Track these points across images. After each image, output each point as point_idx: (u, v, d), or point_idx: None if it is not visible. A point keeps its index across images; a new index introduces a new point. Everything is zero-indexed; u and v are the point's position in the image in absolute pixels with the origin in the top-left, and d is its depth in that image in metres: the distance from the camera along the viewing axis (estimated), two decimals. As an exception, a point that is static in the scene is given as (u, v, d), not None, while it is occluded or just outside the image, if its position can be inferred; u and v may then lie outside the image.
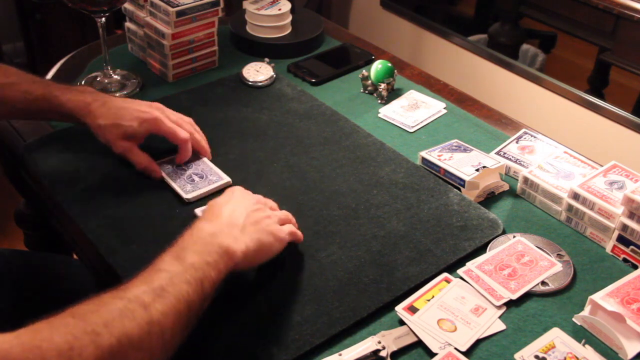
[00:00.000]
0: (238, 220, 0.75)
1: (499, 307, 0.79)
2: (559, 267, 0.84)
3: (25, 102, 0.92)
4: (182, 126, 0.95)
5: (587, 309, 0.77)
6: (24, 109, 0.93)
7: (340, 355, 0.72)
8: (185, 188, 0.92)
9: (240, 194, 0.81)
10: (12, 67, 0.95)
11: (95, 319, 0.57)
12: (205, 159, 0.98)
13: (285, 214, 0.84)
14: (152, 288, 0.63)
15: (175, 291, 0.64)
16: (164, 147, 0.96)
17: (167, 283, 0.64)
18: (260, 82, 1.20)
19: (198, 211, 0.89)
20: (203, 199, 0.92)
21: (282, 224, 0.81)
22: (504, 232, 0.90)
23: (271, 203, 0.84)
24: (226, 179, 0.95)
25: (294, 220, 0.85)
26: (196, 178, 0.94)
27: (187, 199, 0.91)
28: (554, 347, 0.74)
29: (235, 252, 0.72)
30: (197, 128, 0.99)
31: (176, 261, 0.67)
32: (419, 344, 0.74)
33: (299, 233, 0.83)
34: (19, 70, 0.95)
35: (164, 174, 0.95)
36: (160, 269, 0.66)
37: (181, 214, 0.90)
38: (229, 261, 0.71)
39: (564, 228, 0.92)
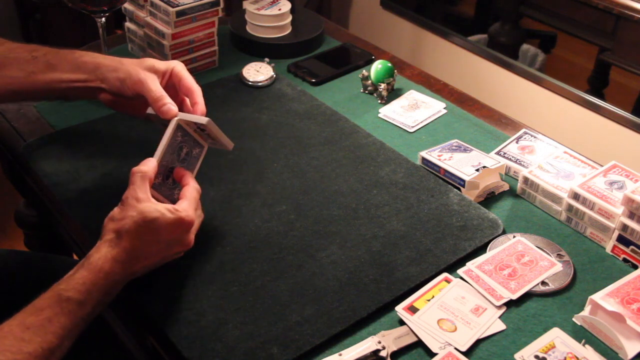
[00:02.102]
0: (135, 274, 0.74)
1: (499, 307, 0.79)
2: (559, 267, 0.84)
3: (33, 61, 0.90)
4: None
5: (587, 309, 0.77)
6: (30, 69, 0.89)
7: (340, 355, 0.72)
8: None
9: (178, 236, 0.76)
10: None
11: None
12: (189, 131, 0.87)
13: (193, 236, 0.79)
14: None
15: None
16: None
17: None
18: (260, 82, 1.20)
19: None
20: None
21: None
22: (504, 232, 0.90)
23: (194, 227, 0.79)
24: (205, 145, 0.88)
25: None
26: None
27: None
28: (554, 347, 0.74)
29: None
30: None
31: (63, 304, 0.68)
32: (419, 344, 0.74)
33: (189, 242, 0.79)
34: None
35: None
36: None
37: (181, 214, 0.90)
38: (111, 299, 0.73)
39: (564, 228, 0.92)
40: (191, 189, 0.80)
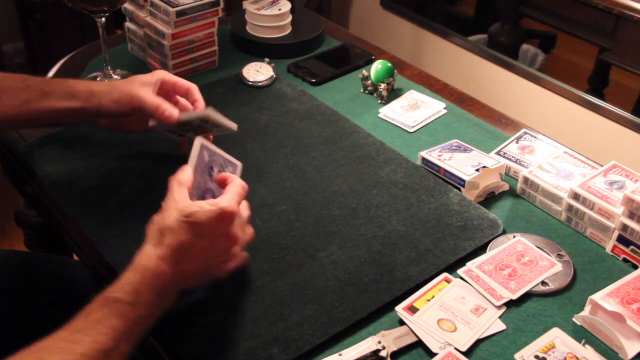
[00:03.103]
0: (186, 274, 0.73)
1: (499, 307, 0.79)
2: (559, 267, 0.84)
3: (26, 91, 0.89)
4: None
5: (587, 309, 0.77)
6: (24, 98, 0.89)
7: (340, 355, 0.72)
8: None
9: (218, 232, 0.74)
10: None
11: None
12: (216, 150, 0.86)
13: (239, 249, 0.77)
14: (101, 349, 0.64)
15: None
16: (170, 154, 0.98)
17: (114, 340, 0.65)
18: (260, 82, 1.20)
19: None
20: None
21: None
22: (504, 232, 0.90)
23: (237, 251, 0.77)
24: (238, 163, 0.87)
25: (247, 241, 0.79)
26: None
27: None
28: (554, 347, 0.74)
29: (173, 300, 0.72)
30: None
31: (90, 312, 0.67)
32: (419, 344, 0.74)
33: (241, 260, 0.79)
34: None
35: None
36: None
37: (181, 214, 0.90)
38: (167, 305, 0.72)
39: (564, 228, 0.92)
40: (235, 184, 0.77)
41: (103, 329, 0.64)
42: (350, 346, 0.73)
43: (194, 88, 0.91)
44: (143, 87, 0.88)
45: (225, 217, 0.73)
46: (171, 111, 0.86)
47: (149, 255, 0.70)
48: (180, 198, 0.73)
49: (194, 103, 0.89)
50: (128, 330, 0.66)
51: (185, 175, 0.76)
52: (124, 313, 0.66)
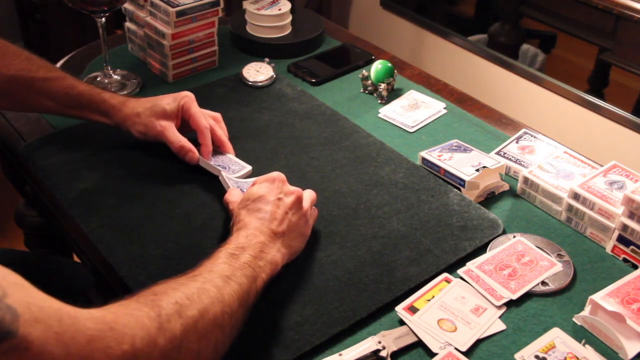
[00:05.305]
0: (280, 226, 0.79)
1: (499, 307, 0.79)
2: (559, 267, 0.84)
3: (66, 97, 0.97)
4: (205, 117, 0.98)
5: (587, 309, 0.77)
6: (64, 103, 0.98)
7: (340, 355, 0.72)
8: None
9: (277, 188, 0.82)
10: (53, 65, 1.02)
11: (178, 294, 0.62)
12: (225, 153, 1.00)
13: (308, 205, 0.85)
14: (219, 275, 0.68)
15: (237, 281, 0.69)
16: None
17: (230, 274, 0.69)
18: (260, 82, 1.20)
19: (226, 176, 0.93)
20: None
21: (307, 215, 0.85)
22: (504, 232, 0.90)
23: (300, 193, 0.84)
24: (248, 167, 0.97)
25: (314, 200, 0.88)
26: (219, 169, 0.95)
27: (234, 176, 0.94)
28: (554, 347, 0.74)
29: (279, 263, 0.77)
30: (223, 126, 1.02)
31: (233, 258, 0.72)
32: (419, 344, 0.74)
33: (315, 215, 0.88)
34: (59, 69, 1.02)
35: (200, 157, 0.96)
36: (220, 263, 0.70)
37: (181, 214, 0.90)
38: (273, 270, 0.76)
39: (564, 228, 0.92)
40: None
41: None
42: (350, 346, 0.73)
43: (203, 130, 0.96)
44: (166, 122, 0.95)
45: (259, 180, 0.84)
46: (192, 155, 0.95)
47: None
48: (240, 194, 0.86)
49: (200, 146, 0.96)
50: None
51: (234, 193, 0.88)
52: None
